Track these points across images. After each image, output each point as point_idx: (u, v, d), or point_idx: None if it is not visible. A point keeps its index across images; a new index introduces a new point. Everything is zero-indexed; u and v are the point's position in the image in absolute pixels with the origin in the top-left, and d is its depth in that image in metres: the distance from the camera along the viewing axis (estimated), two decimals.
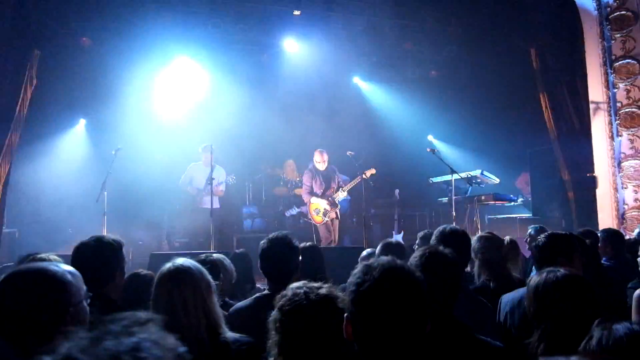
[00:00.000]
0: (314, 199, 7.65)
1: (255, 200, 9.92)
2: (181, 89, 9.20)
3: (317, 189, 7.72)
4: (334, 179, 7.86)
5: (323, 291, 1.56)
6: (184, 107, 9.05)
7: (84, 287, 1.56)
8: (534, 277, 1.98)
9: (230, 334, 1.89)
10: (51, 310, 1.42)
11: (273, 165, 9.94)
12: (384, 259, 1.32)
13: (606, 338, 1.31)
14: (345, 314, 1.30)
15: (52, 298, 1.44)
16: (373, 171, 7.81)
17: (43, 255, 2.72)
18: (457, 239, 2.70)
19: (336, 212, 7.73)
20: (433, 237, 2.89)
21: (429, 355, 1.45)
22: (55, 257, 2.79)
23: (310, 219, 7.79)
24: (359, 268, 1.31)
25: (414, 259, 1.93)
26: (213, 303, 1.90)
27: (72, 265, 2.23)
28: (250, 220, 9.43)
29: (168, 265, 1.92)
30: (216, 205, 7.44)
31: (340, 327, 1.33)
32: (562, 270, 1.93)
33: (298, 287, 1.59)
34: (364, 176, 7.69)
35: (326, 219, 7.62)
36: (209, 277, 1.95)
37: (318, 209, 7.62)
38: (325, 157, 7.79)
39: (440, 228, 2.86)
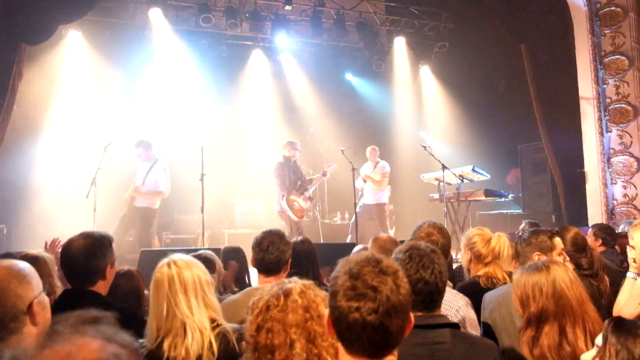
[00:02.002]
0: (293, 195, 7.37)
1: (247, 195, 9.88)
2: (172, 83, 9.13)
3: (291, 183, 7.41)
4: (304, 174, 7.70)
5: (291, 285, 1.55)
6: (175, 103, 8.99)
7: (40, 280, 1.67)
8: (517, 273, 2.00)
9: (228, 325, 1.93)
10: (18, 301, 1.53)
11: (264, 160, 9.89)
12: (363, 253, 1.32)
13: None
14: (327, 310, 1.30)
15: (19, 290, 1.55)
16: (334, 165, 7.76)
17: (35, 252, 2.70)
18: None
19: (310, 208, 7.67)
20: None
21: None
22: (45, 254, 2.76)
23: (283, 214, 7.43)
24: (339, 264, 1.31)
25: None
26: (212, 295, 1.95)
27: (62, 262, 2.24)
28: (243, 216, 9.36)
29: (165, 261, 1.93)
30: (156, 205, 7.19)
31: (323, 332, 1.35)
32: (543, 260, 1.96)
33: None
34: (325, 172, 7.72)
35: (303, 214, 7.47)
36: (205, 269, 1.98)
37: (296, 204, 7.39)
38: (297, 147, 7.53)
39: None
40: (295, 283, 1.54)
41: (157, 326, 1.85)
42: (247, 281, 3.70)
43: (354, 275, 1.24)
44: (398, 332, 1.24)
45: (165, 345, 1.80)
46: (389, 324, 1.21)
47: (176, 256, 1.96)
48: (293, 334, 1.43)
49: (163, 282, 1.88)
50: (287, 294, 1.51)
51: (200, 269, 1.95)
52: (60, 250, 3.65)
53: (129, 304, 2.51)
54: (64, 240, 2.40)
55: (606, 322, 1.48)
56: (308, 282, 1.56)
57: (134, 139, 7.49)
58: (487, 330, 2.41)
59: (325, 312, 1.40)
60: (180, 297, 1.84)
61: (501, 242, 2.88)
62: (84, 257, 2.19)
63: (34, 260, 2.65)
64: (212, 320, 1.89)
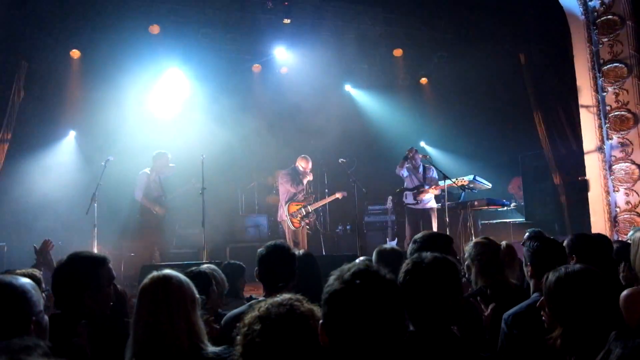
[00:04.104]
0: (295, 203, 7.59)
1: (249, 209, 9.86)
2: (172, 99, 9.16)
3: (298, 193, 7.67)
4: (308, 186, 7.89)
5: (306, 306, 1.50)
6: (175, 117, 9.01)
7: (42, 298, 1.64)
8: (551, 275, 1.95)
9: (211, 348, 1.86)
10: (16, 320, 1.49)
11: (266, 174, 9.90)
12: (358, 262, 1.32)
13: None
14: (320, 321, 1.29)
15: (16, 308, 1.51)
16: (345, 194, 7.95)
17: (22, 270, 2.65)
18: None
19: (310, 222, 7.79)
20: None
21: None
22: (35, 272, 2.72)
23: (283, 222, 7.66)
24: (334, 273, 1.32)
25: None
26: (197, 316, 1.89)
27: (53, 288, 2.19)
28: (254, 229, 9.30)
29: (153, 274, 1.91)
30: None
31: (316, 346, 1.34)
32: (577, 265, 1.93)
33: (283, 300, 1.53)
34: (337, 196, 7.94)
35: (303, 224, 7.60)
36: (195, 290, 1.94)
37: (295, 212, 7.57)
38: (310, 165, 7.75)
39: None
40: (283, 297, 1.51)
41: (137, 339, 1.81)
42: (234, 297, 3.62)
43: (346, 279, 1.26)
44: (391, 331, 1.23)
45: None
46: (381, 321, 1.22)
47: (167, 271, 1.93)
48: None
49: (147, 293, 1.86)
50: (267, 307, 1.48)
51: (188, 287, 1.90)
52: (46, 257, 3.59)
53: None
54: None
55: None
56: (296, 296, 1.52)
57: (130, 154, 7.50)
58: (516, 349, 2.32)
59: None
60: (162, 310, 1.81)
61: (511, 250, 2.86)
62: (67, 280, 2.13)
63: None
64: (194, 345, 1.82)
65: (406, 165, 7.82)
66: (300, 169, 7.71)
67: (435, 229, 7.51)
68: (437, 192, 7.67)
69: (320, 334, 1.28)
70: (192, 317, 1.86)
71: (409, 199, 7.81)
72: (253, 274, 2.73)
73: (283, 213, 7.59)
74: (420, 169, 7.89)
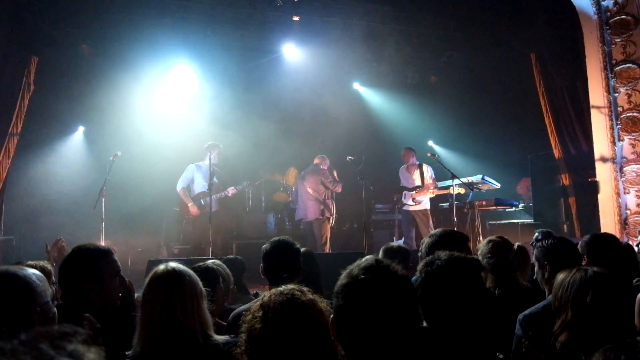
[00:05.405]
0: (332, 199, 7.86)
1: (256, 206, 9.86)
2: (180, 95, 9.18)
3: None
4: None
5: (309, 296, 1.54)
6: (183, 113, 9.02)
7: (50, 289, 1.63)
8: (562, 274, 1.96)
9: (219, 337, 1.93)
10: (19, 310, 1.49)
11: (273, 171, 9.89)
12: (369, 258, 1.34)
13: None
14: (331, 315, 1.32)
15: (19, 299, 1.51)
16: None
17: (33, 262, 2.65)
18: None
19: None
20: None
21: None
22: (46, 264, 2.72)
23: (322, 220, 7.76)
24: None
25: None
26: (205, 308, 1.95)
27: (58, 277, 2.20)
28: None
29: (163, 266, 1.93)
30: (215, 207, 7.35)
31: (315, 335, 1.37)
32: (594, 269, 1.92)
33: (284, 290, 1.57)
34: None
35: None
36: (200, 283, 1.99)
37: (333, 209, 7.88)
38: (327, 162, 7.80)
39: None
40: (285, 287, 1.54)
41: (150, 332, 1.82)
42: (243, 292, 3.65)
43: (356, 274, 1.29)
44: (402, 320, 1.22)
45: (154, 351, 1.78)
46: (391, 309, 1.23)
47: (175, 264, 1.96)
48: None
49: (159, 286, 1.87)
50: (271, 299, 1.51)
51: (197, 280, 1.95)
52: (60, 253, 3.61)
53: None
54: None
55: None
56: (300, 287, 1.56)
57: (139, 149, 7.51)
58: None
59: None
60: (177, 304, 1.83)
61: (523, 251, 2.83)
62: (70, 271, 2.14)
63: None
64: (203, 333, 1.88)
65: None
66: (332, 169, 7.95)
67: (431, 229, 7.46)
68: (432, 194, 7.66)
69: (331, 328, 1.31)
70: (202, 309, 1.92)
71: (407, 199, 7.79)
72: (254, 270, 2.74)
73: (332, 209, 7.76)
74: (417, 170, 7.89)
